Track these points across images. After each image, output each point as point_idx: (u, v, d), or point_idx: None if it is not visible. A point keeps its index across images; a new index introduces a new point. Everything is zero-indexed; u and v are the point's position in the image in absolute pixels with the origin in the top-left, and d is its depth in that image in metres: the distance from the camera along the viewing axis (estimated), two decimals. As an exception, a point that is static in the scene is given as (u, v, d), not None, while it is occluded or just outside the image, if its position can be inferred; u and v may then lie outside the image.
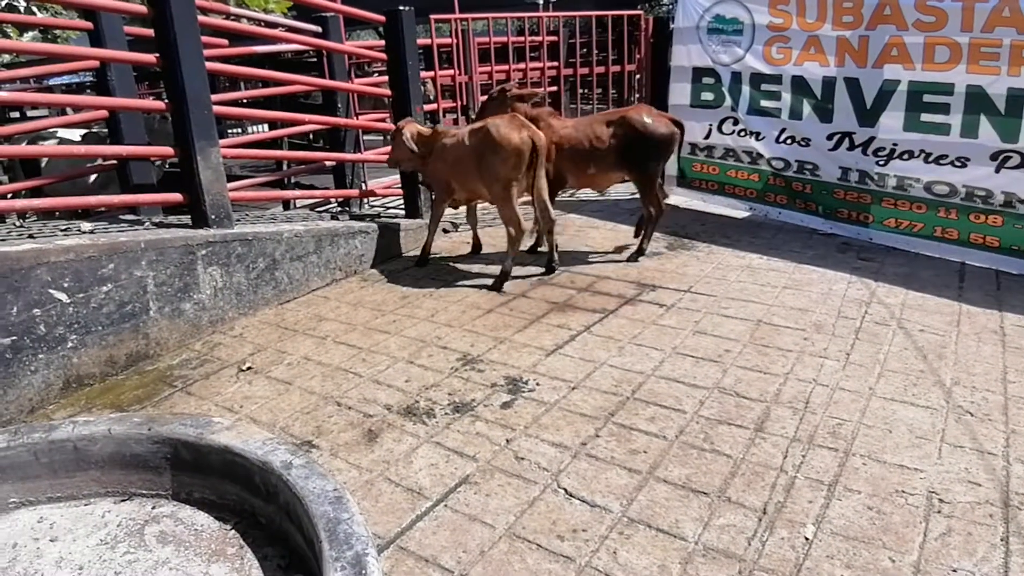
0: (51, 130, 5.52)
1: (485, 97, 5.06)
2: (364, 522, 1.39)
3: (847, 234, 5.27)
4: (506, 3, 11.70)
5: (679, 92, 6.09)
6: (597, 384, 3.20)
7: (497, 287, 4.53)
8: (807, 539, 2.16)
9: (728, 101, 5.76)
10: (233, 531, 1.69)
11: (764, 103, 5.56)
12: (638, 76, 6.96)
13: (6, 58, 9.93)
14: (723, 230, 5.61)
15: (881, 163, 4.97)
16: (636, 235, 5.18)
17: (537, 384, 3.24)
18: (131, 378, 3.57)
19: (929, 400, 2.95)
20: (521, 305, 4.23)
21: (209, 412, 3.19)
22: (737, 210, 6.00)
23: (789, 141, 5.48)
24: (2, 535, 1.69)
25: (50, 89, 8.34)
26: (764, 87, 5.54)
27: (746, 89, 5.64)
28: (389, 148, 4.84)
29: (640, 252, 4.98)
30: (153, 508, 1.80)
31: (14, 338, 3.17)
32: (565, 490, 2.44)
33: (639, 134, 4.75)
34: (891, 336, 3.58)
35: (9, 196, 4.67)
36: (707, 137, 6.00)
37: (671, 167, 6.29)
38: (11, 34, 9.10)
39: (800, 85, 5.31)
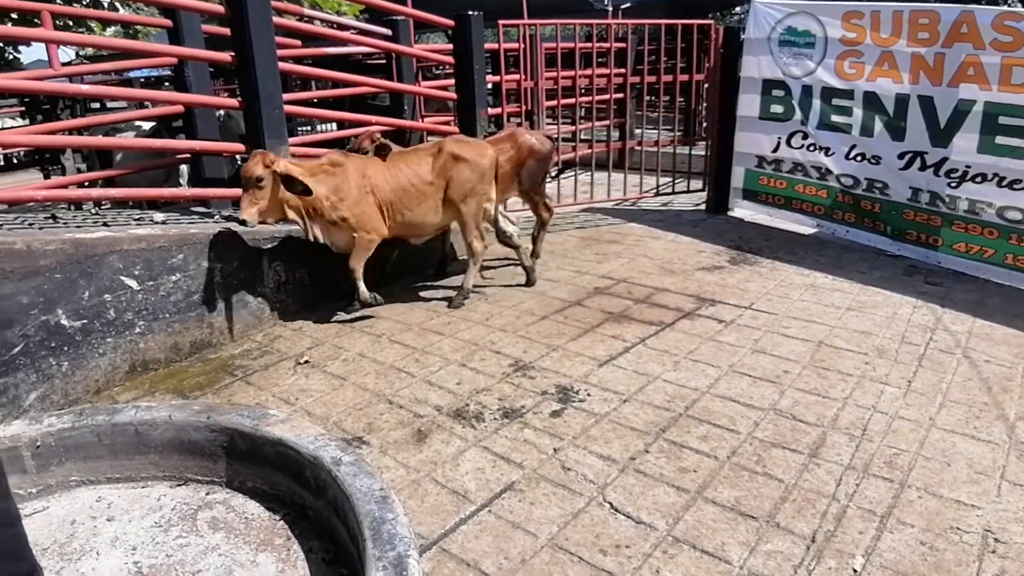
0: (129, 123, 5.77)
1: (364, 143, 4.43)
2: (408, 523, 1.40)
3: (915, 256, 5.07)
4: (575, 9, 11.68)
5: (748, 103, 5.97)
6: (650, 398, 3.15)
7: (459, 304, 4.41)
8: (855, 571, 2.08)
9: (798, 115, 5.63)
10: (282, 522, 1.73)
11: (835, 118, 5.41)
12: (707, 86, 6.86)
13: (89, 52, 10.40)
14: (788, 246, 5.47)
15: (953, 185, 4.77)
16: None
17: (588, 394, 3.21)
18: (194, 365, 3.69)
19: (991, 434, 2.81)
20: (576, 313, 4.20)
21: (266, 403, 3.27)
22: (803, 226, 5.85)
23: (859, 158, 5.32)
24: (62, 512, 1.77)
25: (130, 83, 8.72)
26: (835, 102, 5.38)
27: (817, 103, 5.49)
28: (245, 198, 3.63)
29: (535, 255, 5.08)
30: (207, 494, 1.85)
31: (84, 321, 3.31)
32: (611, 504, 2.41)
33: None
34: (955, 365, 3.43)
35: (86, 184, 4.89)
36: (775, 150, 5.86)
37: (736, 180, 6.18)
38: (95, 29, 9.55)
39: (872, 101, 5.14)
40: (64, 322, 3.24)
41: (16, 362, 3.06)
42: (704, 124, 7.12)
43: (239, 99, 4.21)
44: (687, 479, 2.54)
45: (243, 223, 3.63)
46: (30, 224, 3.65)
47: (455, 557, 2.17)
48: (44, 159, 6.74)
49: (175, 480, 1.90)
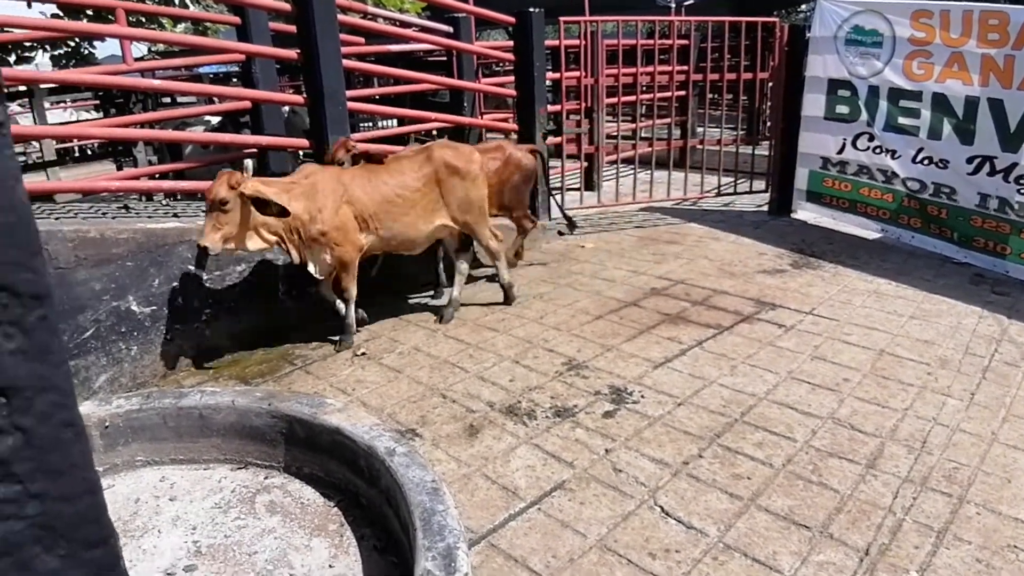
0: (198, 118, 5.96)
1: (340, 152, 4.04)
2: (458, 516, 1.41)
3: (982, 265, 4.85)
4: (638, 6, 11.54)
5: (813, 103, 5.81)
6: (705, 402, 3.10)
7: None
8: (913, 587, 2.00)
9: (864, 115, 5.45)
10: (336, 509, 1.76)
11: (902, 120, 5.22)
12: (771, 85, 6.70)
13: (161, 48, 10.78)
14: (851, 250, 5.30)
15: (1023, 191, 4.55)
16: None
17: (642, 396, 3.18)
18: (256, 353, 3.80)
19: (1062, 452, 2.67)
20: (632, 314, 4.16)
21: (324, 392, 3.35)
22: (868, 230, 5.66)
23: (926, 162, 5.12)
24: (127, 490, 1.84)
25: (199, 78, 9.03)
26: (903, 103, 5.19)
27: (883, 104, 5.31)
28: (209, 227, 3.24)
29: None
30: (265, 479, 1.90)
31: (154, 308, 3.45)
32: (662, 508, 2.38)
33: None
34: (1020, 379, 3.27)
35: (157, 176, 5.08)
36: (840, 152, 5.69)
37: (800, 181, 6.02)
38: (166, 25, 9.89)
39: (941, 103, 4.94)
40: (134, 308, 3.37)
41: (87, 345, 3.20)
42: (768, 123, 6.95)
43: (304, 95, 4.31)
44: (740, 486, 2.49)
45: (204, 251, 3.29)
46: (103, 213, 3.82)
47: (503, 552, 2.17)
48: (117, 151, 7.02)
49: (236, 463, 1.95)
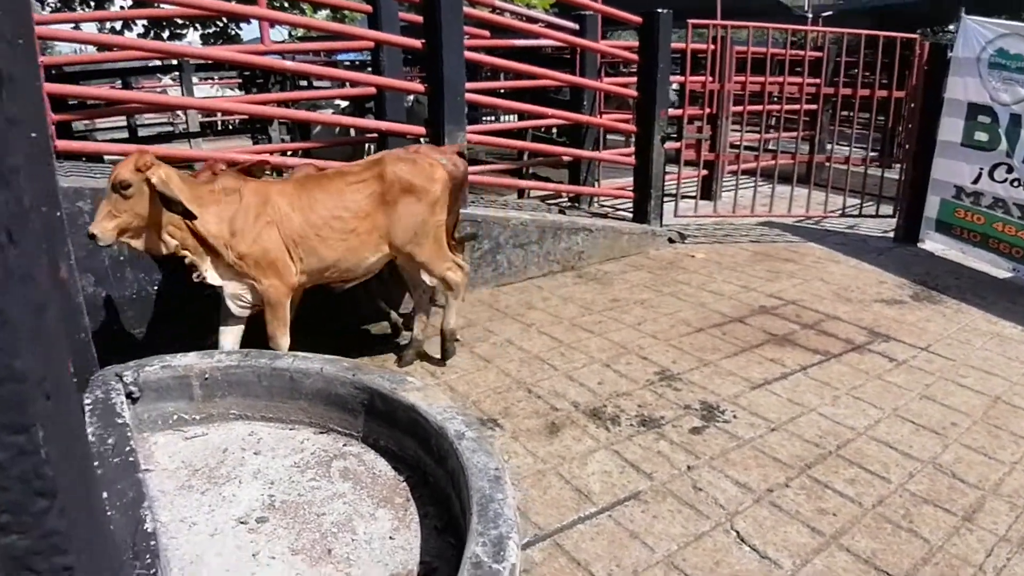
0: (328, 100, 6.26)
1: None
2: (515, 507, 1.39)
3: None
4: (772, 12, 11.05)
5: (950, 128, 5.38)
6: (800, 430, 2.93)
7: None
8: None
9: (1003, 145, 4.98)
10: (405, 483, 1.79)
11: (1044, 154, 4.74)
12: (911, 105, 6.25)
13: (300, 32, 11.37)
14: (977, 288, 4.86)
15: None
16: None
17: (734, 416, 3.05)
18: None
19: None
20: (736, 330, 4.00)
21: (413, 372, 3.42)
22: (998, 268, 5.18)
23: (1069, 202, 4.63)
24: (218, 440, 1.95)
25: (336, 64, 9.45)
26: (1047, 135, 4.72)
27: (1025, 135, 4.85)
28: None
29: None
30: (343, 446, 1.96)
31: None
32: (737, 533, 2.27)
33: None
34: None
35: (287, 154, 5.36)
36: (975, 182, 5.23)
37: (930, 209, 5.59)
38: (306, 11, 10.44)
39: None
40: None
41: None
42: (904, 146, 6.49)
43: (425, 84, 4.42)
44: (824, 521, 2.34)
45: (91, 237, 2.62)
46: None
47: (567, 554, 2.14)
48: (255, 127, 7.50)
49: (319, 428, 2.03)
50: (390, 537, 1.58)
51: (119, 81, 8.36)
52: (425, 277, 3.50)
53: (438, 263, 3.42)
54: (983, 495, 2.52)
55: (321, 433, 2.03)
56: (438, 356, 3.59)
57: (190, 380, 2.02)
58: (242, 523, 1.63)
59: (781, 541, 2.23)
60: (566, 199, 6.60)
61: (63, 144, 3.61)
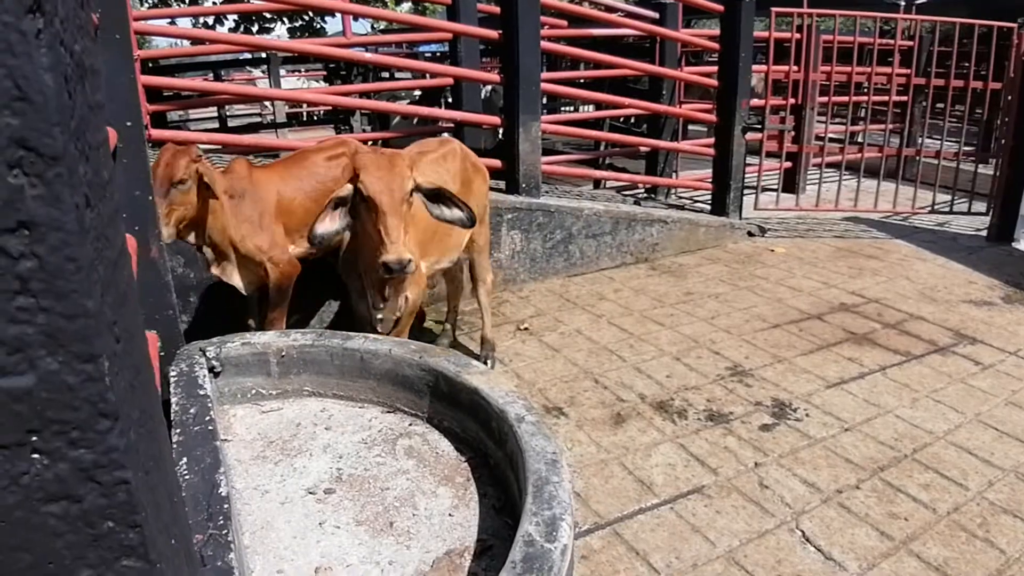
0: (408, 92, 6.38)
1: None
2: (570, 490, 1.41)
3: None
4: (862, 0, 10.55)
5: None
6: (875, 432, 2.83)
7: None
8: None
9: None
10: (466, 464, 1.83)
11: None
12: (1008, 97, 5.87)
13: (382, 25, 11.62)
14: (1079, 292, 4.54)
15: None
16: None
17: (807, 415, 2.97)
18: (430, 314, 4.02)
19: None
20: (813, 327, 3.88)
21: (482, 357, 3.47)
22: (1100, 272, 4.81)
23: None
24: (292, 414, 2.04)
25: (417, 56, 9.62)
26: None
27: None
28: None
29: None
30: (409, 425, 2.02)
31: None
32: (803, 533, 2.22)
33: None
34: None
35: (368, 143, 5.52)
36: None
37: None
38: (388, 4, 10.66)
39: None
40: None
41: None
42: (1000, 140, 6.10)
43: (501, 75, 4.45)
44: (895, 526, 2.25)
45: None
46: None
47: (626, 543, 2.15)
48: (338, 118, 7.72)
49: (386, 407, 2.09)
50: (449, 514, 1.63)
51: (211, 73, 8.77)
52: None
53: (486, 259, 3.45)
54: (1071, 508, 2.37)
55: (388, 412, 2.10)
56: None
57: (268, 357, 2.12)
58: (311, 493, 1.71)
59: (848, 543, 2.17)
60: (642, 190, 6.53)
61: (157, 133, 3.83)
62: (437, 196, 2.41)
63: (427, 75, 6.13)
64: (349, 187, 2.31)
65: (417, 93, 6.99)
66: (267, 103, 10.41)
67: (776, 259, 5.11)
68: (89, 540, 0.70)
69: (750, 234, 5.62)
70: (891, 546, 2.16)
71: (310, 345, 2.17)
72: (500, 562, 1.48)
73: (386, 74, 8.28)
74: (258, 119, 10.57)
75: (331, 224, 2.34)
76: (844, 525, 2.25)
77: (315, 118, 10.15)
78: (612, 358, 3.50)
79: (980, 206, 6.03)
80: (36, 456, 0.66)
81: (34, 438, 0.65)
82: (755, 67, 5.53)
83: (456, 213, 2.41)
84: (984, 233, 5.71)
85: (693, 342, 3.69)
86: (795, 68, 6.04)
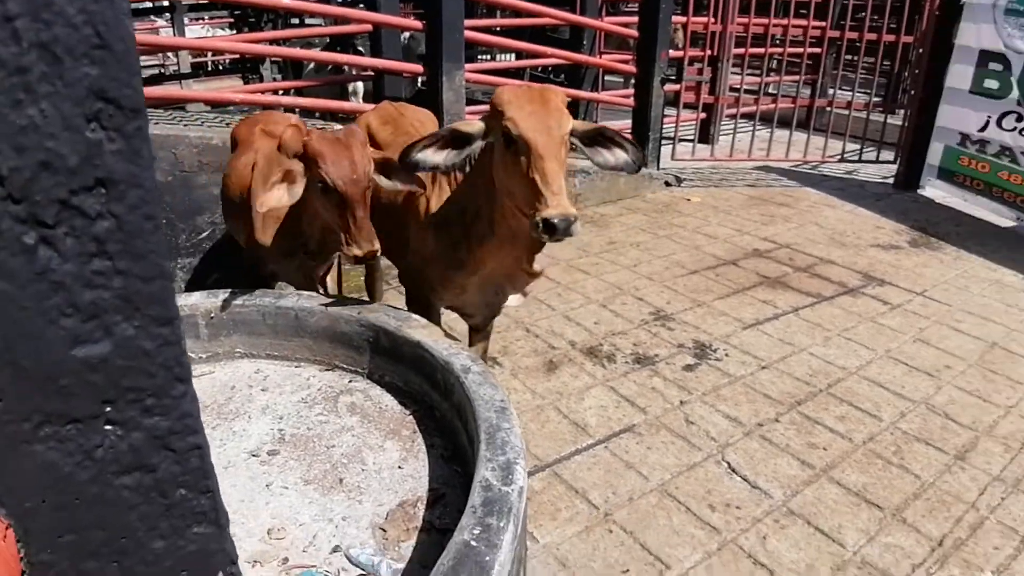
0: (321, 39, 6.13)
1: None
2: (520, 435, 1.46)
3: None
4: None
5: (959, 75, 5.33)
6: (791, 369, 3.02)
7: None
8: (985, 584, 1.92)
9: (1015, 93, 4.95)
10: (411, 417, 1.85)
11: (1058, 103, 4.72)
12: (919, 50, 6.18)
13: None
14: (979, 236, 4.91)
15: None
16: None
17: (726, 355, 3.13)
18: (359, 271, 3.97)
19: None
20: (729, 272, 4.06)
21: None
22: (1002, 217, 5.21)
23: (1081, 150, 4.63)
24: (225, 378, 2.00)
25: (329, 1, 9.21)
26: (1062, 85, 4.69)
27: (1039, 83, 4.82)
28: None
29: None
30: (349, 382, 2.01)
31: (269, 216, 3.63)
32: (728, 464, 2.37)
33: None
34: None
35: (279, 92, 5.30)
36: (982, 129, 5.21)
37: (932, 156, 5.58)
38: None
39: None
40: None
41: (202, 245, 3.44)
42: (909, 92, 6.44)
43: (423, 21, 4.34)
44: (814, 455, 2.44)
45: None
46: (227, 124, 4.02)
47: (565, 482, 2.24)
48: (246, 67, 7.36)
49: (324, 365, 2.08)
50: (399, 467, 1.65)
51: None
52: None
53: None
54: (976, 436, 2.61)
55: (326, 370, 2.08)
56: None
57: (196, 319, 2.05)
58: (254, 456, 1.69)
59: (771, 472, 2.33)
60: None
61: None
62: (596, 138, 1.98)
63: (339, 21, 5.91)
64: (480, 125, 1.91)
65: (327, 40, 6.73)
66: (170, 53, 9.79)
67: (692, 208, 5.28)
68: (162, 510, 0.68)
69: (667, 184, 5.76)
70: (812, 474, 2.34)
71: (240, 304, 2.11)
72: (454, 509, 1.52)
73: (296, 20, 7.92)
74: (160, 71, 9.94)
75: (434, 156, 1.93)
76: (767, 456, 2.42)
77: (220, 68, 9.63)
78: (542, 307, 3.56)
79: (888, 155, 6.38)
80: (109, 427, 0.63)
81: (108, 408, 0.62)
82: (674, 18, 5.59)
83: (621, 156, 1.98)
84: (891, 181, 6.06)
85: (618, 289, 3.80)
86: (713, 20, 6.14)
